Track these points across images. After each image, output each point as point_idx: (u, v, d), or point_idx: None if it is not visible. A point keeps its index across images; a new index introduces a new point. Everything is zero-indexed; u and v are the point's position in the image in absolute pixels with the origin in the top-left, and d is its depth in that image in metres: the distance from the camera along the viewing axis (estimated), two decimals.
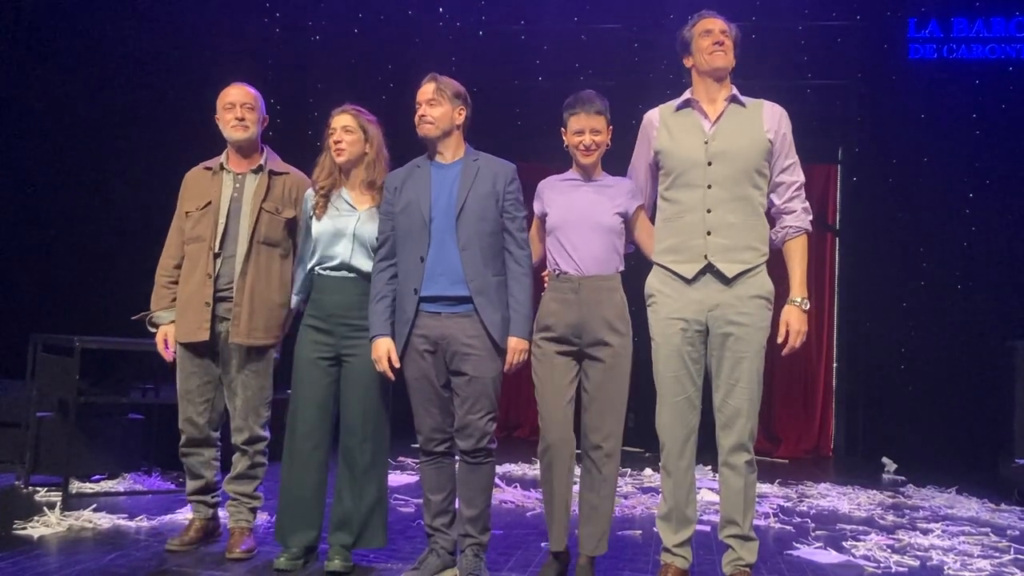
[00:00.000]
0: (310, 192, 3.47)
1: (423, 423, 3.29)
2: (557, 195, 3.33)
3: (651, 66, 7.39)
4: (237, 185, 3.61)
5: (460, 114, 3.31)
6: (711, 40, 3.19)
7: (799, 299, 3.16)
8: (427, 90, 3.29)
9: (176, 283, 3.63)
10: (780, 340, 3.15)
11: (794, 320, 3.14)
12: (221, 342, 3.56)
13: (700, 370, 3.19)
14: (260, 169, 3.64)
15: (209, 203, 3.57)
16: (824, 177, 7.83)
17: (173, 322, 3.61)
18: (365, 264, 3.36)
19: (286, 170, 3.69)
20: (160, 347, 3.64)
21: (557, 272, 3.27)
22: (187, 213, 3.63)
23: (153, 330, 3.65)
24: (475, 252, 3.19)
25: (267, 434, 3.63)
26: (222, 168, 3.64)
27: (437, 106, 3.27)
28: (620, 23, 7.73)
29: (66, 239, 7.17)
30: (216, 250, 3.53)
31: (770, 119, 3.19)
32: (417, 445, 3.36)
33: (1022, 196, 7.23)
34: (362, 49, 7.76)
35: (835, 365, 7.82)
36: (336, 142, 3.38)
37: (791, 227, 3.20)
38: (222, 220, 3.55)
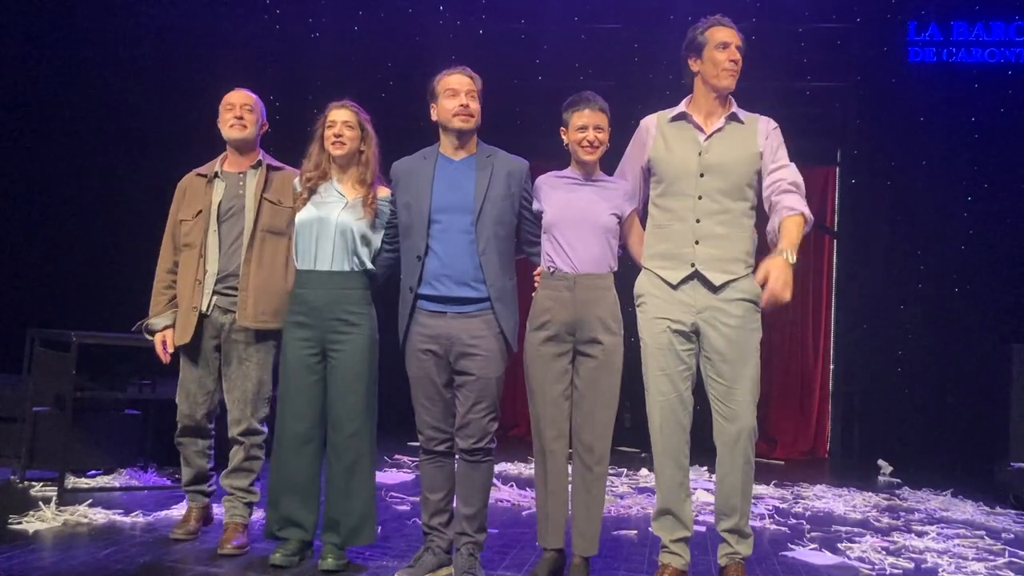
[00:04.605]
0: (296, 181, 3.50)
1: (424, 422, 3.29)
2: (554, 192, 3.31)
3: (652, 66, 7.39)
4: (241, 183, 3.69)
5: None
6: (728, 57, 3.15)
7: (785, 252, 2.95)
8: (467, 82, 3.26)
9: (171, 288, 3.72)
10: (759, 281, 2.98)
11: (774, 267, 2.92)
12: (223, 336, 3.63)
13: (689, 370, 3.21)
14: (259, 165, 3.74)
15: (200, 212, 3.67)
16: (823, 179, 7.83)
17: (169, 326, 3.69)
18: (348, 257, 3.36)
19: (282, 167, 3.80)
20: (159, 350, 3.70)
21: (552, 269, 3.27)
22: (182, 221, 3.72)
23: (150, 337, 3.72)
24: (493, 256, 3.19)
25: (264, 429, 3.66)
26: (216, 176, 3.72)
27: (477, 100, 3.26)
28: (621, 23, 7.73)
29: (63, 234, 7.16)
30: (205, 255, 3.62)
31: (763, 134, 3.19)
32: (414, 443, 3.36)
33: (1020, 200, 7.24)
34: (362, 47, 7.76)
35: (832, 367, 7.83)
36: (337, 135, 3.39)
37: (787, 207, 3.07)
38: (213, 226, 3.63)
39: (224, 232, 3.63)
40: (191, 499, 3.76)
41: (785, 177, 3.16)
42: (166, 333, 3.68)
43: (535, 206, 3.35)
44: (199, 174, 3.77)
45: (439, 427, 3.27)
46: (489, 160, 3.26)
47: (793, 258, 2.96)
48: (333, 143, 3.39)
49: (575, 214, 3.24)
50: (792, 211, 3.09)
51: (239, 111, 3.69)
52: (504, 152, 3.33)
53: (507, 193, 3.23)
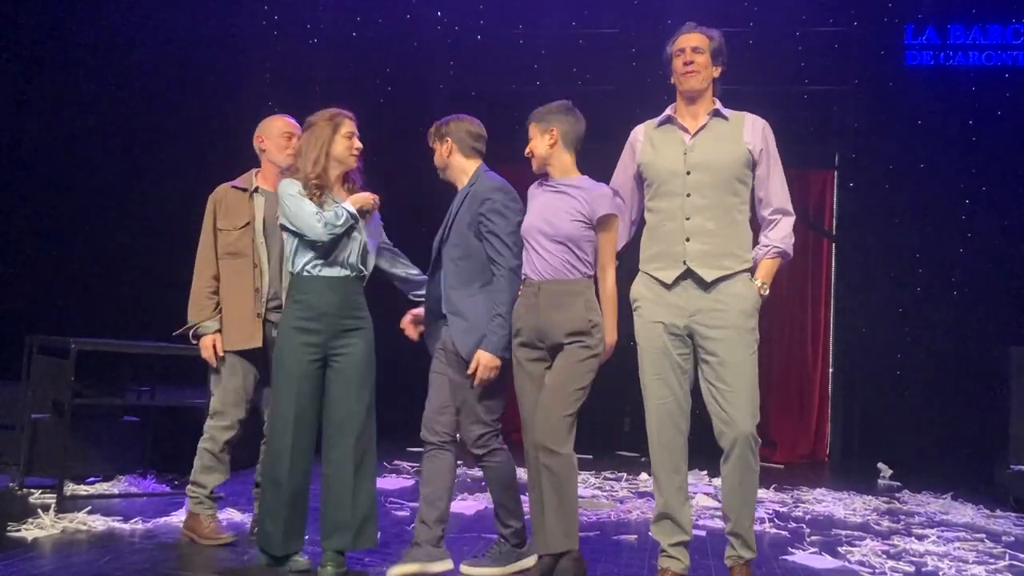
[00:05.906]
0: (286, 186, 3.36)
1: (425, 411, 3.46)
2: (532, 201, 3.39)
3: (649, 71, 7.36)
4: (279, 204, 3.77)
5: (448, 151, 3.46)
6: (681, 61, 3.24)
7: (759, 282, 3.20)
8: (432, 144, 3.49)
9: (216, 295, 3.79)
10: None
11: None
12: (271, 347, 3.69)
13: (685, 373, 3.22)
14: None
15: (248, 223, 3.78)
16: (821, 183, 7.84)
17: (218, 331, 3.76)
18: (355, 263, 3.39)
19: None
20: (209, 354, 3.76)
21: (525, 277, 3.33)
22: (221, 230, 3.79)
23: (195, 342, 3.79)
24: (450, 279, 3.37)
25: None
26: (256, 190, 3.83)
27: (438, 158, 3.49)
28: (618, 28, 7.74)
29: (62, 240, 7.16)
30: (261, 266, 3.74)
31: (750, 132, 3.22)
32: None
33: (1018, 202, 7.24)
34: (361, 52, 7.76)
35: (831, 370, 7.82)
36: (359, 148, 3.44)
37: (765, 246, 3.26)
38: (261, 239, 3.76)
39: (269, 247, 3.76)
40: (208, 507, 3.76)
41: (772, 203, 3.25)
42: (216, 337, 3.75)
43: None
44: (236, 187, 3.85)
45: (432, 417, 3.44)
46: (469, 190, 3.42)
47: (766, 291, 3.21)
48: (353, 154, 3.44)
49: (534, 221, 3.30)
50: (769, 250, 3.24)
51: (296, 141, 3.79)
52: (489, 178, 3.44)
53: (470, 220, 3.37)
